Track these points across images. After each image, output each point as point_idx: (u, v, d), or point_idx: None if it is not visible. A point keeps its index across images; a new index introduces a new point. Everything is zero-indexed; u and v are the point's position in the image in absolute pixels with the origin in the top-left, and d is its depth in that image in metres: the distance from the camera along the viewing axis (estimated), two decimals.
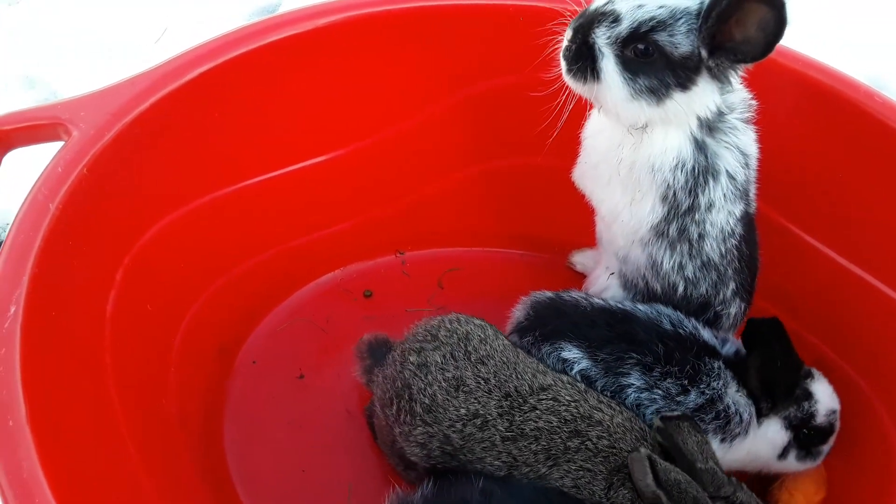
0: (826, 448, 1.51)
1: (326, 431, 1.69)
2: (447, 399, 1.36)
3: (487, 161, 1.95)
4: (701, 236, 1.43)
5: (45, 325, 1.17)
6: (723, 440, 1.43)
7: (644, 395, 1.42)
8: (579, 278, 1.89)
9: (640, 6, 1.21)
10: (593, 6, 1.26)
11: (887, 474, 1.50)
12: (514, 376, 1.38)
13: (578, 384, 1.42)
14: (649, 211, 1.42)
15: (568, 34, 1.27)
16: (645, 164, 1.37)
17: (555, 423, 1.34)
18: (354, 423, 1.69)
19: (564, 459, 1.32)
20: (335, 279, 1.95)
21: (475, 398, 1.36)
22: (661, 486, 1.23)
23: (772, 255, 1.67)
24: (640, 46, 1.21)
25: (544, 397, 1.36)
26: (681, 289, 1.50)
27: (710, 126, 1.36)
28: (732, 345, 1.49)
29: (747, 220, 1.50)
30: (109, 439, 1.27)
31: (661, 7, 1.20)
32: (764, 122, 1.44)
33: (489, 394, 1.36)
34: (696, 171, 1.36)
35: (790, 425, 1.48)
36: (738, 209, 1.44)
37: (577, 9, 1.34)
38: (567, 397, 1.37)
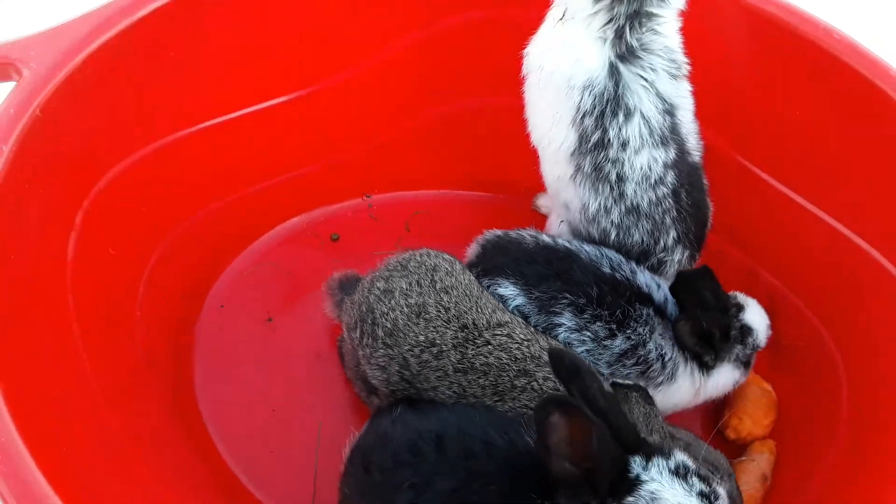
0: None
1: (296, 372, 1.71)
2: (408, 324, 1.39)
3: (451, 102, 1.94)
4: (620, 178, 1.46)
5: (4, 266, 1.17)
6: (646, 385, 1.46)
7: (574, 335, 1.45)
8: (544, 221, 1.91)
9: None
10: None
11: (834, 398, 1.57)
12: (474, 309, 1.41)
13: (531, 327, 1.45)
14: (563, 137, 1.46)
15: None
16: (562, 75, 1.42)
17: (504, 360, 1.36)
18: (323, 364, 1.72)
19: (510, 397, 1.35)
20: (301, 223, 1.95)
21: (433, 327, 1.38)
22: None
23: (727, 193, 1.71)
24: None
25: (499, 333, 1.39)
26: (613, 235, 1.54)
27: (628, 54, 1.39)
28: (662, 291, 1.51)
29: (687, 168, 1.52)
30: (74, 381, 1.28)
31: None
32: (719, 59, 1.45)
33: (447, 323, 1.39)
34: (605, 99, 1.40)
35: (741, 362, 1.53)
36: (662, 155, 1.46)
37: None
38: (521, 336, 1.40)
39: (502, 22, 1.77)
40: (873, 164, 1.54)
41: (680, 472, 1.06)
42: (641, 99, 1.41)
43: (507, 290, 1.50)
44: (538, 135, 1.55)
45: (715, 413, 1.68)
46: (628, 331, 1.44)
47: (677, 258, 1.58)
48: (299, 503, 1.51)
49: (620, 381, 1.41)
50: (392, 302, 1.41)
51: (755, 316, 1.55)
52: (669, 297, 1.51)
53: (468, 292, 1.44)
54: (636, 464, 1.05)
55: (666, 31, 1.41)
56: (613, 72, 1.40)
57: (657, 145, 1.45)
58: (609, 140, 1.43)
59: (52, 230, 1.33)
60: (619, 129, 1.42)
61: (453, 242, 1.76)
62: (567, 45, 1.43)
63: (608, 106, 1.41)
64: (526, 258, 1.52)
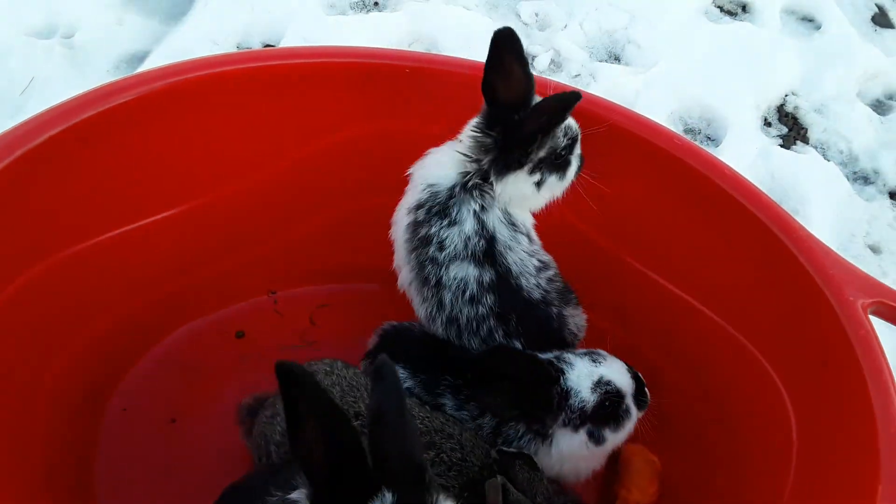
0: (627, 406, 1.56)
1: (200, 473, 1.73)
2: None
3: (352, 201, 2.05)
4: (438, 283, 1.61)
5: None
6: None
7: (457, 413, 1.57)
8: None
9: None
10: None
11: (710, 463, 1.71)
12: (360, 399, 1.48)
13: (426, 407, 1.54)
14: (403, 220, 1.68)
15: None
16: (421, 175, 1.66)
17: None
18: (227, 462, 1.73)
19: None
20: (207, 322, 2.00)
21: None
22: None
23: (614, 283, 1.89)
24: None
25: None
26: (450, 340, 1.66)
27: (472, 186, 1.61)
28: None
29: (517, 302, 1.62)
30: None
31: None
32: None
33: None
34: (438, 201, 1.61)
35: (577, 424, 1.53)
36: (476, 273, 1.59)
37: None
38: (421, 413, 1.48)
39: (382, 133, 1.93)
40: (728, 255, 1.75)
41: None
42: (465, 218, 1.60)
43: (399, 373, 1.59)
44: (394, 229, 1.73)
45: (608, 484, 1.78)
46: None
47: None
48: None
49: (506, 448, 1.49)
50: (278, 419, 1.50)
51: (578, 375, 1.53)
52: None
53: (353, 384, 1.52)
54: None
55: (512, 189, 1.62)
56: (454, 188, 1.60)
57: (471, 262, 1.59)
58: (431, 235, 1.60)
59: None
60: (440, 230, 1.60)
61: (355, 332, 1.85)
62: (438, 159, 1.65)
63: (439, 206, 1.60)
64: (412, 346, 1.66)
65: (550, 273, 1.69)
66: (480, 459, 1.44)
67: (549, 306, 1.66)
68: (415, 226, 1.63)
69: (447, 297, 1.61)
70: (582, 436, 1.54)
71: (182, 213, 1.84)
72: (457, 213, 1.59)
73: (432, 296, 1.63)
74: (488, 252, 1.60)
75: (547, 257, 1.71)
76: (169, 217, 1.81)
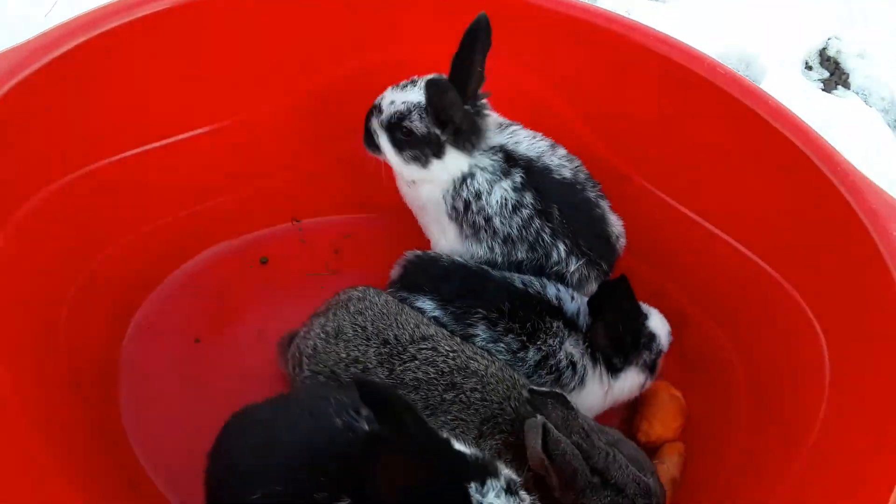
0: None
1: (222, 392, 1.72)
2: (327, 346, 1.49)
3: None
4: (487, 220, 1.67)
5: None
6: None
7: (491, 345, 1.54)
8: None
9: (392, 102, 1.65)
10: (376, 100, 1.68)
11: (734, 402, 1.68)
12: (393, 325, 1.50)
13: (457, 337, 1.52)
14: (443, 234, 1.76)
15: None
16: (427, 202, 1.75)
17: (432, 375, 1.44)
18: (250, 383, 1.73)
19: (441, 410, 1.42)
20: (231, 247, 1.99)
21: (354, 346, 1.48)
22: (548, 454, 1.31)
23: (640, 217, 1.83)
24: (402, 129, 1.63)
25: (424, 346, 1.46)
26: (500, 260, 1.69)
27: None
28: (576, 303, 1.61)
29: (553, 186, 1.67)
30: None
31: (403, 103, 1.63)
32: (633, 106, 1.62)
33: (367, 341, 1.48)
34: (456, 186, 1.69)
35: (646, 367, 1.63)
36: (508, 183, 1.66)
37: None
38: (446, 348, 1.47)
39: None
40: (766, 189, 1.68)
41: (511, 489, 1.10)
42: (482, 162, 1.67)
43: (425, 304, 1.59)
44: (426, 210, 1.80)
45: (629, 418, 1.77)
46: (538, 342, 1.53)
47: (573, 268, 1.67)
48: None
49: (537, 388, 1.48)
50: (311, 333, 1.53)
51: (657, 323, 1.65)
52: (582, 308, 1.60)
53: (384, 311, 1.52)
54: (474, 490, 1.05)
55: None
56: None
57: (500, 179, 1.66)
58: (468, 201, 1.68)
59: None
60: (471, 194, 1.68)
61: (378, 263, 1.83)
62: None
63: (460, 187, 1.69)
64: (441, 275, 1.61)
65: (563, 152, 1.73)
66: (501, 395, 1.44)
67: (584, 190, 1.70)
68: (453, 202, 1.69)
69: (497, 223, 1.65)
70: (643, 378, 1.63)
71: (207, 134, 1.83)
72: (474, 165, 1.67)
73: (486, 236, 1.68)
74: (507, 158, 1.67)
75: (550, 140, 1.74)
76: (193, 137, 1.80)
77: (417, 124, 1.62)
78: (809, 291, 1.57)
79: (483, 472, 1.07)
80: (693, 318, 1.82)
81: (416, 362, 1.45)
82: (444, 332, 1.53)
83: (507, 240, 1.67)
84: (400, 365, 1.45)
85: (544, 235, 1.66)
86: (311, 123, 1.98)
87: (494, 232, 1.67)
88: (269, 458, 1.21)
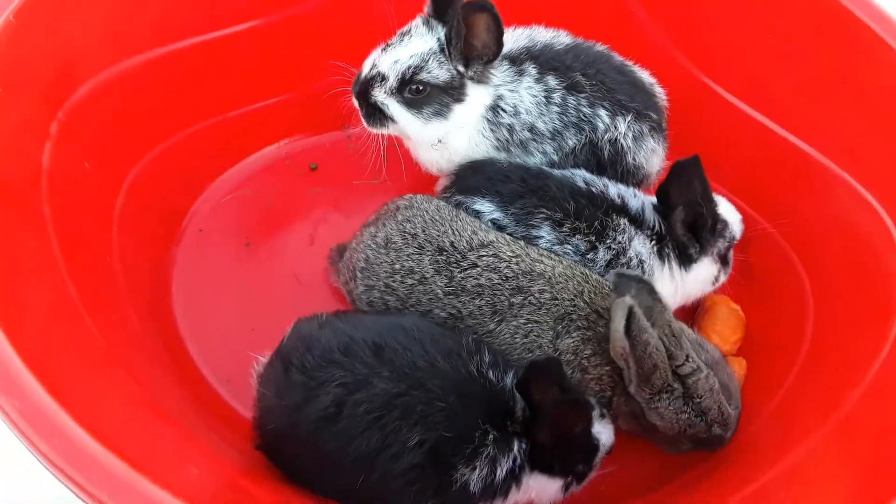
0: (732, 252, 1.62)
1: (274, 294, 1.74)
2: (378, 256, 1.45)
3: None
4: (532, 130, 1.58)
5: None
6: None
7: (556, 247, 1.48)
8: None
9: (396, 61, 1.49)
10: (362, 73, 1.54)
11: (801, 319, 1.61)
12: (448, 231, 1.45)
13: (520, 241, 1.47)
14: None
15: (355, 102, 1.56)
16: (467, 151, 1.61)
17: (496, 281, 1.39)
18: (301, 286, 1.75)
19: (511, 315, 1.38)
20: (280, 151, 1.96)
21: (406, 255, 1.43)
22: (630, 338, 1.26)
23: (696, 119, 1.74)
24: (413, 87, 1.49)
25: (484, 253, 1.42)
26: (556, 159, 1.62)
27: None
28: (639, 199, 1.54)
29: (567, 57, 1.58)
30: (53, 287, 1.30)
31: (411, 56, 1.48)
32: None
33: (420, 250, 1.43)
34: (490, 119, 1.57)
35: (720, 257, 1.57)
36: (528, 79, 1.55)
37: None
38: (508, 253, 1.42)
39: None
40: (842, 89, 1.57)
41: (603, 415, 1.31)
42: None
43: (483, 206, 1.53)
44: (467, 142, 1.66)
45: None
46: (608, 241, 1.48)
47: (623, 129, 1.58)
48: None
49: (626, 272, 1.42)
50: (362, 245, 1.50)
51: (727, 210, 1.59)
52: (646, 204, 1.53)
53: (436, 218, 1.47)
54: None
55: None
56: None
57: (521, 82, 1.55)
58: (512, 124, 1.58)
59: (28, 138, 1.34)
60: (510, 115, 1.57)
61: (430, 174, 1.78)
62: None
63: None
64: (501, 177, 1.54)
65: (544, 28, 1.64)
66: (572, 293, 1.40)
67: (592, 46, 1.62)
68: (495, 135, 1.59)
69: (541, 125, 1.58)
70: (716, 269, 1.57)
71: (259, 28, 1.77)
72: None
73: (535, 144, 1.60)
74: (510, 60, 1.58)
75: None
76: (246, 30, 1.74)
77: (437, 72, 1.49)
78: (887, 197, 1.48)
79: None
80: (758, 229, 1.74)
81: (478, 269, 1.41)
82: (505, 236, 1.47)
83: (554, 135, 1.59)
84: (460, 272, 1.41)
85: (583, 108, 1.57)
86: (363, 25, 1.90)
87: (541, 135, 1.59)
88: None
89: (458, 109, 1.53)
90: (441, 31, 1.48)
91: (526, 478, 1.25)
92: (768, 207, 1.76)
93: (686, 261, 1.53)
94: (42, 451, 0.96)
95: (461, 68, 1.49)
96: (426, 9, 1.51)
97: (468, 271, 1.41)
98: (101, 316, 1.35)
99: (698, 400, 1.32)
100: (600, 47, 1.62)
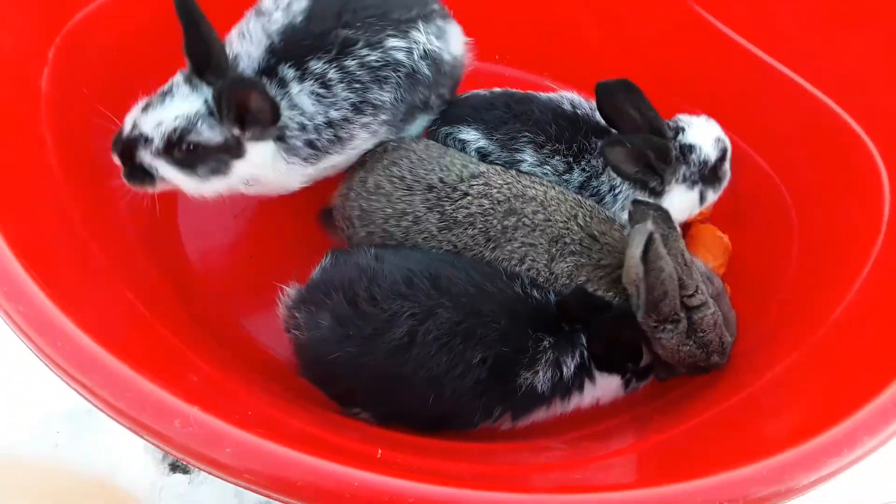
0: (727, 165, 1.60)
1: (274, 225, 1.78)
2: (370, 204, 1.47)
3: None
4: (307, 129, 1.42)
5: None
6: None
7: (537, 169, 1.51)
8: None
9: (159, 123, 1.33)
10: (123, 133, 1.37)
11: (786, 246, 1.65)
12: (436, 169, 1.46)
13: (511, 171, 1.49)
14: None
15: (117, 160, 1.39)
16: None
17: (487, 206, 1.42)
18: (302, 218, 1.76)
19: (505, 239, 1.41)
20: None
21: (397, 197, 1.45)
22: (645, 264, 1.28)
23: (683, 48, 1.74)
24: (185, 148, 1.34)
25: (475, 183, 1.44)
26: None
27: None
28: None
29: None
30: (58, 210, 1.34)
31: (176, 118, 1.33)
32: None
33: (409, 190, 1.45)
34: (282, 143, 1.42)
35: (694, 180, 1.55)
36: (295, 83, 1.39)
37: None
38: (499, 181, 1.45)
39: None
40: (828, 14, 1.57)
41: None
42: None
43: (469, 134, 1.55)
44: None
45: None
46: (583, 163, 1.50)
47: (423, 38, 1.44)
48: (275, 334, 1.59)
49: (643, 200, 1.45)
50: (352, 193, 1.50)
51: (698, 132, 1.55)
52: None
53: (423, 157, 1.48)
54: None
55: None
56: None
57: (286, 90, 1.39)
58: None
59: (26, 62, 1.36)
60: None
61: None
62: None
63: None
64: (484, 105, 1.57)
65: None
66: (565, 215, 1.43)
67: None
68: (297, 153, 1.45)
69: (336, 114, 1.43)
70: (695, 193, 1.57)
71: None
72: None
73: (349, 129, 1.46)
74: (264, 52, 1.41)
75: None
76: None
77: (209, 134, 1.34)
78: (877, 130, 1.49)
79: None
80: (744, 156, 1.76)
81: (469, 198, 1.43)
82: (496, 167, 1.49)
83: (359, 107, 1.42)
84: (450, 205, 1.43)
85: (369, 57, 1.40)
86: None
87: (345, 120, 1.43)
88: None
89: (238, 164, 1.40)
90: (206, 92, 1.34)
91: (596, 373, 1.37)
92: (754, 134, 1.77)
93: (654, 193, 1.53)
94: (47, 354, 1.01)
95: (236, 132, 1.36)
96: (187, 67, 1.36)
97: (459, 202, 1.43)
98: (102, 235, 1.39)
99: (701, 334, 1.36)
100: None
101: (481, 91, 1.62)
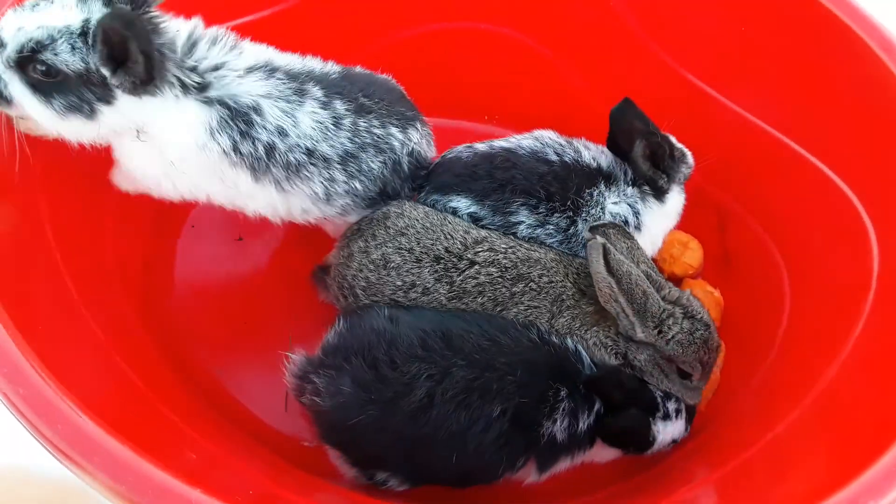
0: None
1: (267, 288, 1.78)
2: (379, 277, 1.45)
3: (414, 27, 1.98)
4: (286, 138, 1.38)
5: None
6: None
7: (539, 230, 1.52)
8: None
9: (19, 29, 1.16)
10: None
11: (777, 305, 1.67)
12: (441, 238, 1.46)
13: (509, 237, 1.50)
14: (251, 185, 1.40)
15: None
16: (184, 162, 1.34)
17: (496, 274, 1.43)
18: (294, 279, 1.77)
19: (512, 303, 1.42)
20: None
21: (406, 270, 1.44)
22: (612, 274, 1.33)
23: (675, 112, 1.77)
24: (40, 68, 1.16)
25: (480, 249, 1.45)
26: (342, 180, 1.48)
27: (204, 86, 1.30)
28: (606, 155, 1.59)
29: (343, 82, 1.47)
30: (54, 287, 1.33)
31: (39, 27, 1.15)
32: None
33: (418, 262, 1.44)
34: (231, 124, 1.31)
35: (681, 185, 1.64)
36: (311, 105, 1.40)
37: None
38: (503, 245, 1.46)
39: None
40: (812, 77, 1.63)
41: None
42: (251, 90, 1.35)
43: (459, 203, 1.55)
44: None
45: None
46: (584, 214, 1.53)
47: (417, 138, 1.56)
48: (272, 403, 1.59)
49: (597, 224, 1.47)
50: (355, 264, 1.47)
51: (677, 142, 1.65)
52: (613, 157, 1.58)
53: (426, 225, 1.47)
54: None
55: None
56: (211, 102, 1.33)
57: (302, 101, 1.39)
58: (271, 141, 1.37)
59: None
60: (268, 121, 1.37)
61: None
62: None
63: (240, 123, 1.35)
64: (468, 174, 1.56)
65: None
66: (562, 274, 1.46)
67: (353, 68, 1.55)
68: (234, 139, 1.34)
69: (328, 150, 1.43)
70: (682, 197, 1.64)
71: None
72: (243, 100, 1.34)
73: (315, 169, 1.43)
74: (303, 69, 1.44)
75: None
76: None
77: (66, 57, 1.15)
78: (866, 194, 1.52)
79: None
80: (734, 216, 1.80)
81: (476, 267, 1.43)
82: (495, 232, 1.50)
83: (345, 159, 1.44)
84: (458, 275, 1.43)
85: (375, 130, 1.47)
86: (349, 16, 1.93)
87: (326, 159, 1.42)
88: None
89: (107, 111, 1.22)
90: (96, 11, 1.17)
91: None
92: (744, 195, 1.81)
93: (659, 193, 1.58)
94: (46, 437, 0.99)
95: (105, 70, 1.18)
96: None
97: (466, 272, 1.43)
98: (98, 308, 1.38)
99: (699, 315, 1.41)
100: (360, 70, 1.55)
101: (461, 153, 1.61)
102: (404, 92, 1.62)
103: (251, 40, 1.43)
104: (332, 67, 1.49)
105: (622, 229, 1.46)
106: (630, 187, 1.57)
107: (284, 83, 1.38)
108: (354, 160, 1.46)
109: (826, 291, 1.57)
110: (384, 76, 1.60)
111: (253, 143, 1.34)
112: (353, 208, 1.54)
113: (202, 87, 1.29)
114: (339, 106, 1.43)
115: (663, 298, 1.39)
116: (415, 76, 1.69)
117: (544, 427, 1.31)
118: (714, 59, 1.79)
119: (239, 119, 1.31)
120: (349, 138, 1.44)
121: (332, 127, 1.42)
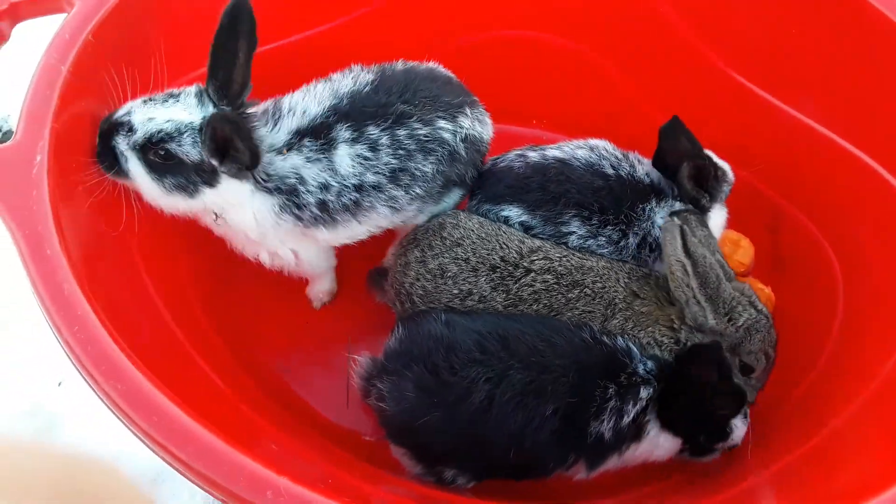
0: None
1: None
2: (436, 286, 1.49)
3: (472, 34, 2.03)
4: (329, 190, 1.46)
5: (66, 169, 1.29)
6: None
7: (590, 241, 1.55)
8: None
9: (150, 119, 1.35)
10: (115, 115, 1.38)
11: (831, 305, 1.68)
12: (497, 248, 1.49)
13: (561, 246, 1.54)
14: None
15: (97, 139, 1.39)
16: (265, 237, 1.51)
17: (552, 282, 1.47)
18: (349, 281, 1.84)
19: (567, 309, 1.46)
20: None
21: (463, 279, 1.48)
22: (689, 256, 1.37)
23: (729, 113, 1.81)
24: (161, 153, 1.35)
25: (536, 257, 1.48)
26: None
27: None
28: (656, 171, 1.61)
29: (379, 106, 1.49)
30: (139, 296, 1.43)
31: (168, 121, 1.35)
32: None
33: (475, 272, 1.47)
34: (288, 203, 1.46)
35: (724, 203, 1.66)
36: (343, 149, 1.45)
37: None
38: (557, 254, 1.50)
39: None
40: (867, 78, 1.64)
41: None
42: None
43: (510, 211, 1.58)
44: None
45: None
46: (635, 228, 1.56)
47: (469, 123, 1.57)
48: (333, 399, 1.66)
49: (677, 209, 1.52)
50: (413, 273, 1.52)
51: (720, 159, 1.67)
52: (660, 175, 1.61)
53: (483, 234, 1.51)
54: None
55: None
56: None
57: (332, 151, 1.45)
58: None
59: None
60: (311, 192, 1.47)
61: None
62: None
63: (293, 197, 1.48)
64: (520, 185, 1.59)
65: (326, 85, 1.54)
66: (613, 279, 1.50)
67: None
68: (294, 212, 1.49)
69: (373, 178, 1.48)
70: (724, 213, 1.66)
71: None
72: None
73: (374, 197, 1.50)
74: (315, 133, 1.47)
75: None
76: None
77: (189, 150, 1.35)
78: None
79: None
80: (788, 216, 1.82)
81: (532, 275, 1.47)
82: (549, 244, 1.53)
83: (396, 174, 1.48)
84: (514, 283, 1.46)
85: (419, 132, 1.49)
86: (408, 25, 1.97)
87: (376, 186, 1.48)
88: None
89: (208, 192, 1.41)
90: (210, 111, 1.37)
91: (652, 427, 1.40)
92: (798, 195, 1.83)
93: (702, 211, 1.60)
94: (142, 428, 1.06)
95: (214, 161, 1.37)
96: (206, 85, 1.39)
97: (522, 280, 1.46)
98: (176, 314, 1.46)
99: (762, 308, 1.45)
100: (400, 65, 1.57)
101: (513, 162, 1.63)
102: (451, 76, 1.63)
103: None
104: (364, 77, 1.51)
105: (701, 218, 1.48)
106: (677, 202, 1.59)
107: (312, 143, 1.44)
108: (404, 172, 1.49)
109: (881, 290, 1.58)
110: (427, 65, 1.61)
111: (308, 209, 1.46)
112: (423, 207, 1.60)
113: (267, 179, 1.43)
114: (373, 131, 1.46)
115: (734, 288, 1.43)
116: (467, 82, 1.71)
117: (592, 427, 1.35)
118: (765, 61, 1.80)
119: (292, 197, 1.45)
120: (391, 155, 1.47)
121: (370, 155, 1.45)
